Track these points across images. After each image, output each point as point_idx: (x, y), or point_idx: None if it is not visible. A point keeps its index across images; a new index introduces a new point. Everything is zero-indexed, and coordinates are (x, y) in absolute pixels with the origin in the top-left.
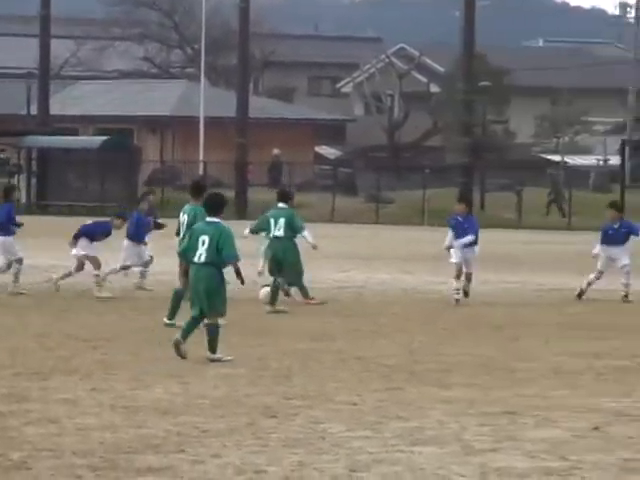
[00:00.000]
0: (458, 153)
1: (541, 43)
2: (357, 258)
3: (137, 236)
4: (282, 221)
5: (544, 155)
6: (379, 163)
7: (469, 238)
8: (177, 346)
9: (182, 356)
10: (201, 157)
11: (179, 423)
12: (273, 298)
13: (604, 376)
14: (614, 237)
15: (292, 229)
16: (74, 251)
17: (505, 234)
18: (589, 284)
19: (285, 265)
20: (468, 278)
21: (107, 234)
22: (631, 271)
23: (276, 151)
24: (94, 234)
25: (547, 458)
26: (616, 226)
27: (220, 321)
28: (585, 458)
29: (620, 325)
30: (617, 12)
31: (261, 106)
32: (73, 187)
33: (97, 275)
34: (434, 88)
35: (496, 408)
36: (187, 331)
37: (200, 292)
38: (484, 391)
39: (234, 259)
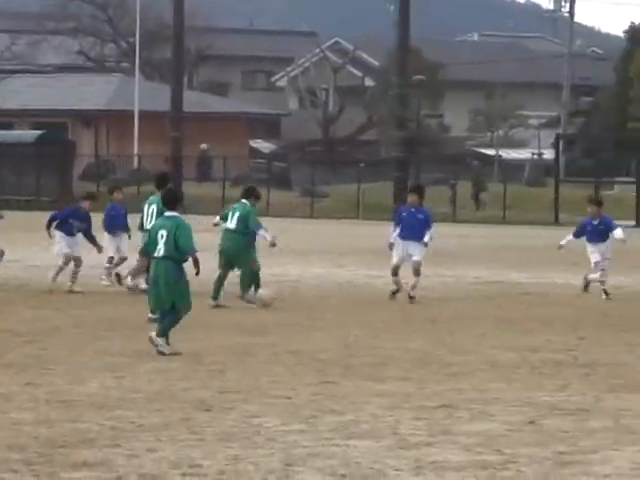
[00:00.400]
0: (393, 147)
1: (476, 37)
2: (292, 252)
3: (113, 227)
4: (237, 215)
5: (479, 149)
6: (314, 157)
7: (428, 237)
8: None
9: (175, 353)
10: (135, 151)
11: (114, 417)
12: (216, 291)
13: (539, 370)
14: (594, 234)
15: (245, 225)
16: (56, 251)
17: (440, 228)
18: (601, 280)
19: (234, 260)
20: (416, 271)
21: (85, 219)
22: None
23: (203, 146)
24: (69, 218)
25: (482, 452)
26: (595, 222)
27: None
28: (520, 452)
29: (555, 319)
30: (552, 6)
31: (196, 100)
32: (8, 181)
33: (60, 268)
34: (369, 82)
35: (431, 402)
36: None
37: (160, 287)
38: (419, 385)
39: (191, 251)
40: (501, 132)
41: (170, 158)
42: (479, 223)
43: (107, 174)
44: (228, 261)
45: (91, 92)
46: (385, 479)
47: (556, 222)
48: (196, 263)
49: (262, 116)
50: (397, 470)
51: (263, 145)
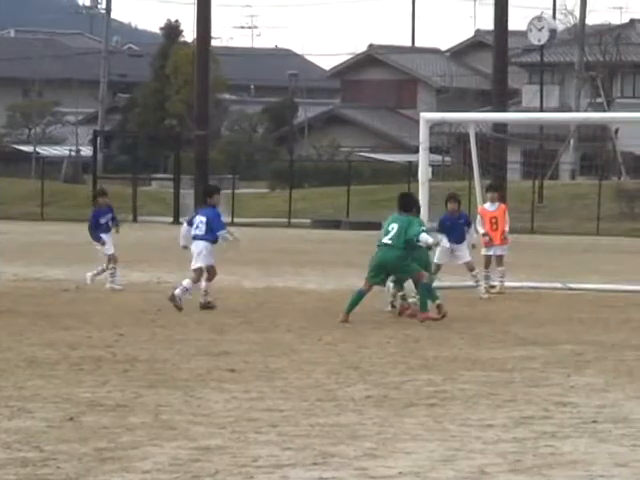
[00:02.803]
0: None
1: (12, 33)
2: None
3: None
4: None
5: (17, 146)
6: None
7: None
8: None
9: None
10: None
11: None
12: None
13: (79, 366)
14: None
15: None
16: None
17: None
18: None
19: None
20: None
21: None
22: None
23: None
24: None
25: (22, 449)
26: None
27: None
28: (60, 448)
29: (94, 315)
30: (88, 3)
31: None
32: None
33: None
34: None
35: None
36: None
37: None
38: None
39: None
40: (38, 129)
41: None
42: (18, 220)
43: None
44: None
45: None
46: None
47: None
48: None
49: None
50: None
51: None
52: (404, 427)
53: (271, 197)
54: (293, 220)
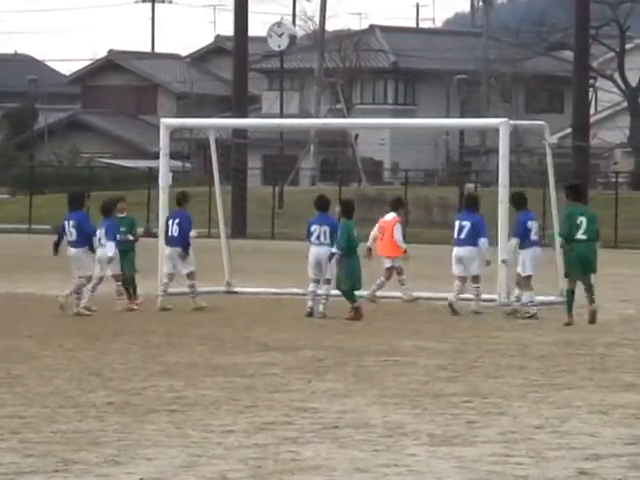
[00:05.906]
0: None
1: None
2: None
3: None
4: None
5: None
6: None
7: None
8: None
9: None
10: None
11: None
12: None
13: None
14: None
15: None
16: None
17: None
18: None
19: None
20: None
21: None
22: None
23: None
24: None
25: None
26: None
27: None
28: None
29: None
30: None
31: None
32: None
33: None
34: None
35: None
36: None
37: None
38: None
39: None
40: None
41: None
42: None
43: None
44: None
45: None
46: None
47: None
48: None
49: None
50: None
51: None
52: (145, 433)
53: (11, 203)
54: (34, 226)
